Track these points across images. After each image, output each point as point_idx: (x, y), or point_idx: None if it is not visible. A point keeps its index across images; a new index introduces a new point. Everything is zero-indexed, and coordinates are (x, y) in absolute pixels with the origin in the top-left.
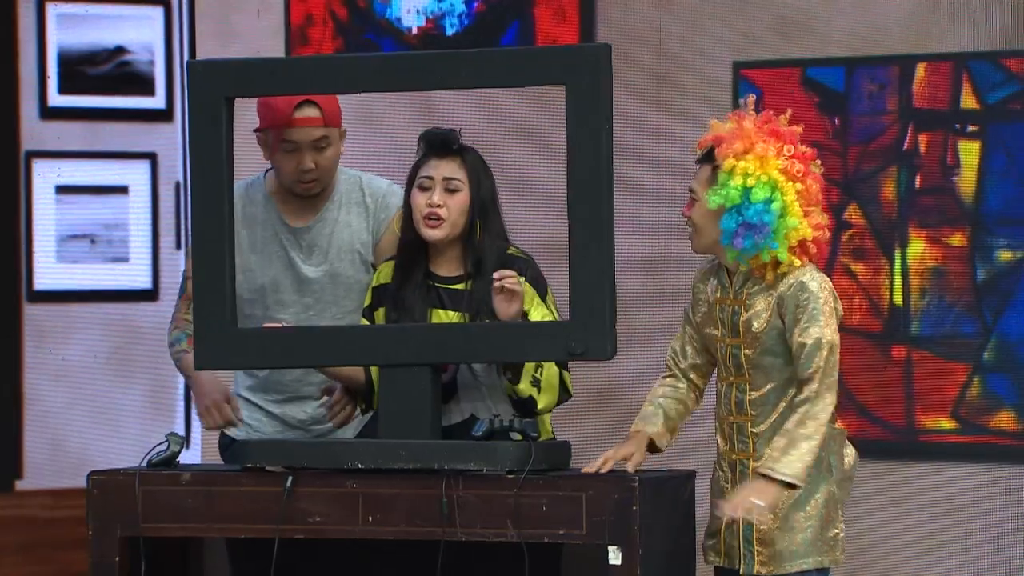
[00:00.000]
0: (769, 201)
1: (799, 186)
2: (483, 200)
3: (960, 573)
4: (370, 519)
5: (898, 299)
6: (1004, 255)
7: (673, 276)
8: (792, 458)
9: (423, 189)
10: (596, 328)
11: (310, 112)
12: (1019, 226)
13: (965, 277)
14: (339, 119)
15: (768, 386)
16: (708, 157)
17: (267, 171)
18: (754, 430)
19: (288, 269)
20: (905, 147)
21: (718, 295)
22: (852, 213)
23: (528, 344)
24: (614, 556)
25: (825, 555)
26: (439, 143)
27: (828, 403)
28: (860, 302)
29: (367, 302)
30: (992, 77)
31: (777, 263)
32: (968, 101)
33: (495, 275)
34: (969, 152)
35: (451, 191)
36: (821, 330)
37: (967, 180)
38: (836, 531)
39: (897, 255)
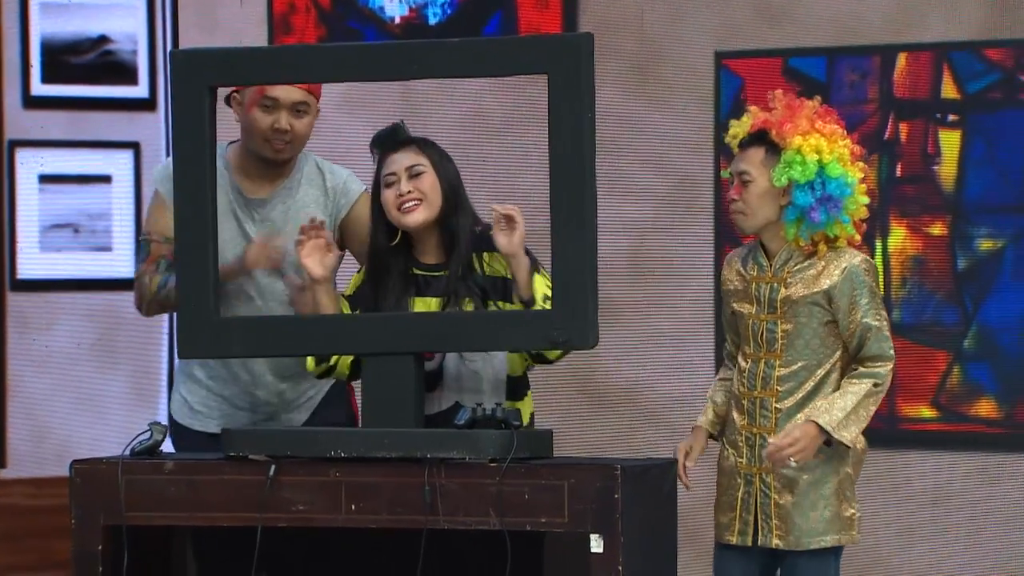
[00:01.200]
0: (845, 175)
1: (861, 165)
2: (450, 182)
3: (942, 560)
4: (353, 507)
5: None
6: (984, 244)
7: (655, 263)
8: (851, 422)
9: (389, 185)
10: (578, 317)
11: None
12: (999, 215)
13: (946, 266)
14: (319, 92)
15: (799, 363)
16: (758, 140)
17: (229, 143)
18: (778, 406)
19: (239, 238)
20: (886, 136)
21: (754, 274)
22: None
23: (510, 333)
24: (596, 544)
25: (843, 533)
26: (389, 139)
27: (887, 386)
28: None
29: (349, 291)
30: (972, 67)
31: (833, 239)
32: (948, 91)
33: (494, 206)
34: (950, 141)
35: (417, 175)
36: (881, 314)
37: (947, 169)
38: (853, 511)
39: (878, 244)
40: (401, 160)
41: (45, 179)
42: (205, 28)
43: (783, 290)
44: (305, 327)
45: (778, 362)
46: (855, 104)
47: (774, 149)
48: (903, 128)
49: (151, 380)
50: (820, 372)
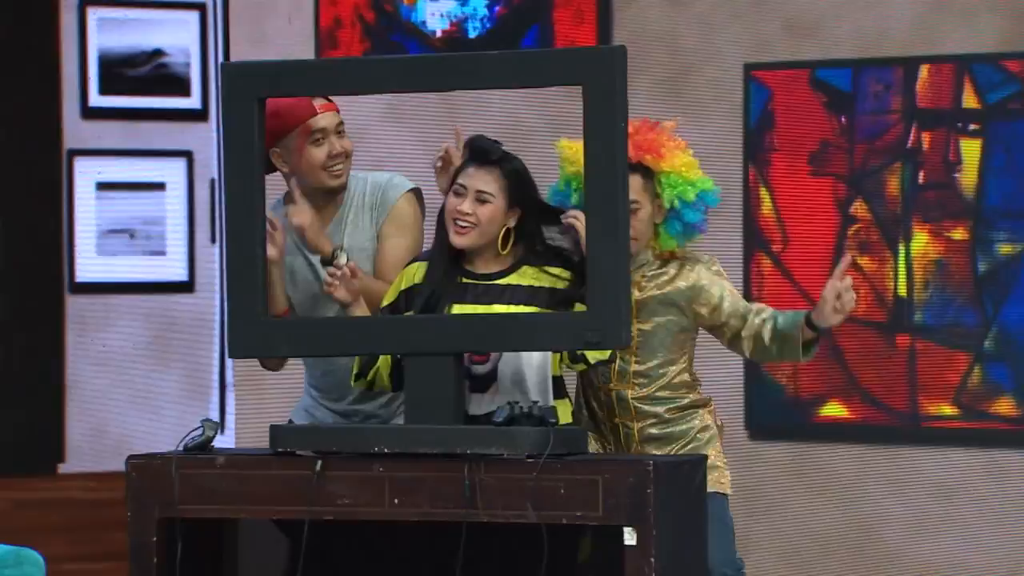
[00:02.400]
0: (711, 187)
1: None
2: (521, 207)
3: (961, 555)
4: (395, 501)
5: (902, 290)
6: (1004, 248)
7: None
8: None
9: (457, 195)
10: (612, 318)
11: (323, 100)
12: (1018, 220)
13: (966, 269)
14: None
15: (653, 361)
16: (631, 168)
17: (284, 195)
18: (634, 396)
19: (306, 269)
20: (909, 144)
21: None
22: (858, 208)
23: (545, 334)
24: (629, 537)
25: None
26: (480, 153)
27: None
28: (866, 293)
29: (389, 300)
30: (992, 78)
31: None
32: (969, 101)
33: (567, 212)
34: (970, 150)
35: (481, 202)
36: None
37: (968, 176)
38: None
39: (901, 248)
40: (476, 180)
41: (102, 186)
42: (255, 42)
43: (636, 293)
44: (348, 328)
45: (633, 359)
46: (879, 114)
47: (648, 174)
48: (925, 137)
49: (203, 378)
50: (672, 370)
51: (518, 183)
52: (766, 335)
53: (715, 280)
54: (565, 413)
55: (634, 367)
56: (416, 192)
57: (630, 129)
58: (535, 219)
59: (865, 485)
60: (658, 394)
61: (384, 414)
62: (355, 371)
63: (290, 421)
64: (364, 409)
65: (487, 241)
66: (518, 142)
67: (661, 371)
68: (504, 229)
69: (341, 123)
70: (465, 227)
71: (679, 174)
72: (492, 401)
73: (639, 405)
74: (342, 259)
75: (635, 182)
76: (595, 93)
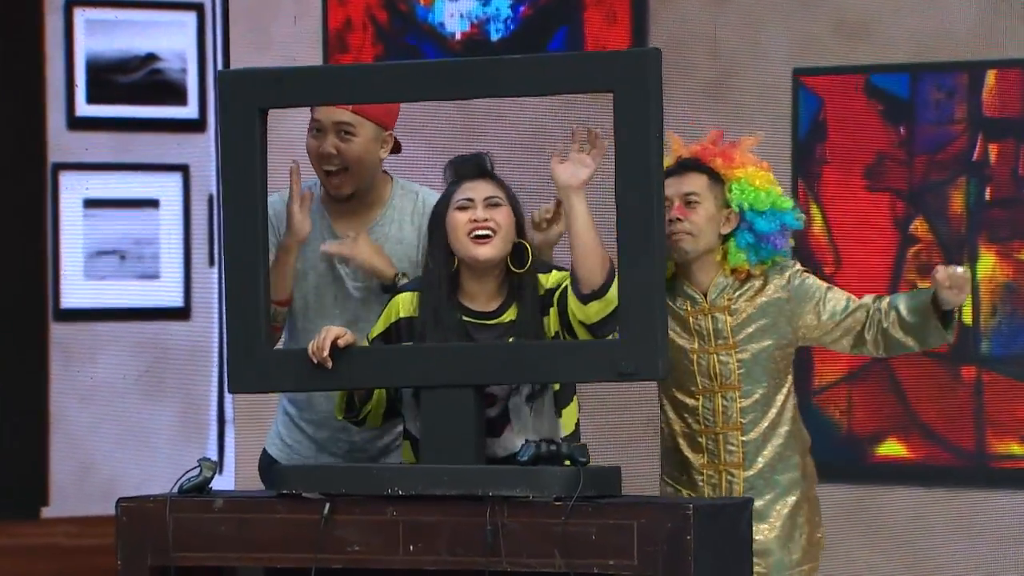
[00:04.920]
0: (794, 211)
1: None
2: (521, 227)
3: None
4: (411, 548)
5: (967, 317)
6: None
7: None
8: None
9: (463, 209)
10: (646, 346)
11: None
12: None
13: None
14: (375, 113)
15: (758, 393)
16: (693, 167)
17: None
18: (744, 439)
19: (332, 283)
20: (974, 157)
21: (688, 308)
22: (919, 227)
23: (575, 363)
24: None
25: (816, 560)
26: (472, 168)
27: None
28: None
29: (379, 330)
30: None
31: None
32: None
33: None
34: None
35: (495, 206)
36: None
37: None
38: (820, 535)
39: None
40: (481, 188)
41: (90, 203)
42: (257, 46)
43: (729, 319)
44: (359, 360)
45: (737, 394)
46: (941, 124)
47: (716, 177)
48: (992, 149)
49: (200, 413)
50: (779, 398)
51: (516, 199)
52: (895, 329)
53: (810, 278)
54: (571, 421)
55: (740, 403)
56: None
57: (708, 139)
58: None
59: (926, 531)
60: (771, 432)
61: (371, 449)
62: (340, 406)
63: (264, 453)
64: (352, 440)
65: (503, 255)
66: (539, 151)
67: (766, 404)
68: (514, 244)
69: (348, 124)
70: (486, 235)
71: (751, 182)
72: (505, 446)
73: (748, 449)
74: (401, 282)
75: (699, 180)
76: (626, 101)
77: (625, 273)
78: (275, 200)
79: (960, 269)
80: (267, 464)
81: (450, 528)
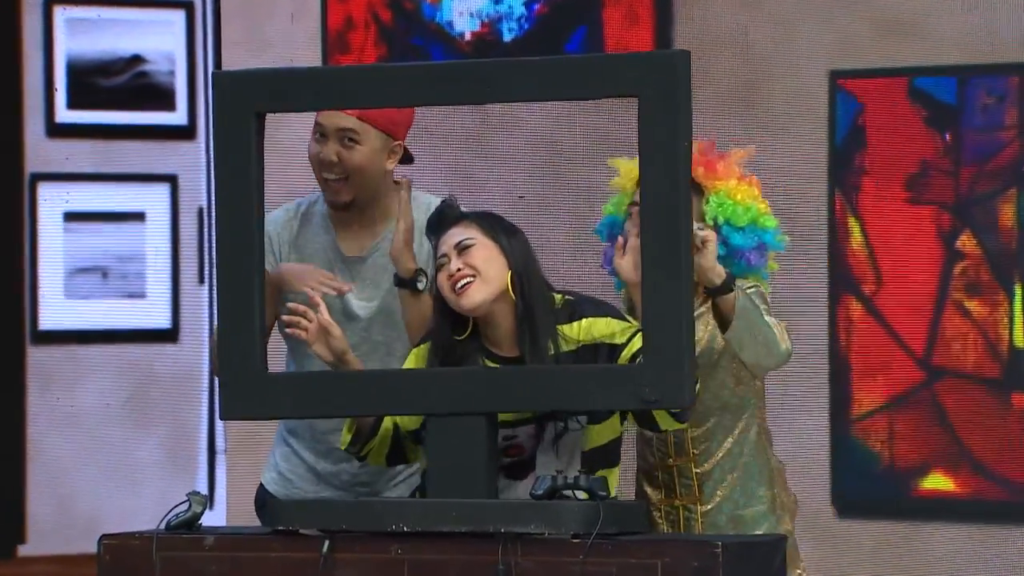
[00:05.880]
0: (778, 230)
1: None
2: (516, 257)
3: None
4: None
5: (1019, 340)
6: None
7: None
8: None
9: (441, 267)
10: (672, 372)
11: None
12: None
13: None
14: (383, 121)
15: (710, 421)
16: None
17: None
18: (698, 471)
19: (335, 300)
20: None
21: None
22: (966, 242)
23: (595, 391)
24: None
25: None
26: (438, 221)
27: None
28: (975, 343)
29: None
30: None
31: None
32: None
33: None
34: None
35: (465, 248)
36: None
37: None
38: (798, 572)
39: (1017, 289)
40: (451, 238)
41: (71, 217)
42: (251, 47)
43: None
44: (362, 385)
45: (687, 424)
46: (990, 131)
47: (698, 190)
48: None
49: (189, 444)
50: (738, 426)
51: (501, 228)
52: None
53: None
54: (614, 482)
55: (691, 432)
56: None
57: (696, 149)
58: (538, 273)
59: (976, 572)
60: (729, 464)
61: (377, 483)
62: (347, 435)
63: (260, 488)
64: (355, 472)
65: (496, 291)
66: (559, 163)
67: (722, 433)
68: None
69: (351, 130)
70: (465, 283)
71: (731, 195)
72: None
73: (704, 482)
74: (421, 284)
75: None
76: (652, 107)
77: (649, 295)
78: (277, 216)
79: (697, 225)
80: (263, 499)
81: (459, 567)
